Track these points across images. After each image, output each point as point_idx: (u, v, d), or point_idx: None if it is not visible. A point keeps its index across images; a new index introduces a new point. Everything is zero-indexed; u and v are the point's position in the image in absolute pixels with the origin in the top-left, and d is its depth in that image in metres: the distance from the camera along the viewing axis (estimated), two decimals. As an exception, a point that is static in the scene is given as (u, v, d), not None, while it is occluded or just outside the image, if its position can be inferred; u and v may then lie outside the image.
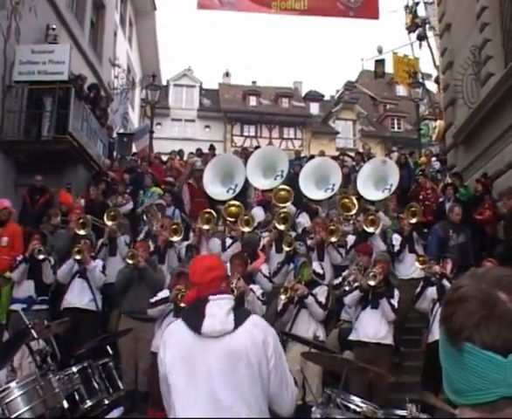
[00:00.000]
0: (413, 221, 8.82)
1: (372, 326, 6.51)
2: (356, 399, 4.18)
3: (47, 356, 4.31)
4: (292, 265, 7.81)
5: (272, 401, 2.70)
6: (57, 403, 4.20)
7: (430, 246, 9.05)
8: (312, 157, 15.55)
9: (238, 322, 2.67)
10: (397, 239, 8.93)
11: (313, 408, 4.15)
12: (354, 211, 9.16)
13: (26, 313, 6.36)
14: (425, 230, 9.46)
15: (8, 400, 3.96)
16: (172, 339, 2.77)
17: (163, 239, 8.52)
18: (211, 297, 2.74)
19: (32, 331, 4.37)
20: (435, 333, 6.63)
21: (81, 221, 8.50)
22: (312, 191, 10.07)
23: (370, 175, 10.30)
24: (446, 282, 6.73)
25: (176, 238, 8.46)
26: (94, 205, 10.45)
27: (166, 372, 2.66)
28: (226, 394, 2.55)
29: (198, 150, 16.82)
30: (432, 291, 6.92)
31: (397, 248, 8.78)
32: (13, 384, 4.09)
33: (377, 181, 10.16)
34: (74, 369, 4.84)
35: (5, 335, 5.01)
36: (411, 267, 8.23)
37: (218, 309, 2.70)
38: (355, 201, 9.22)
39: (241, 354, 2.60)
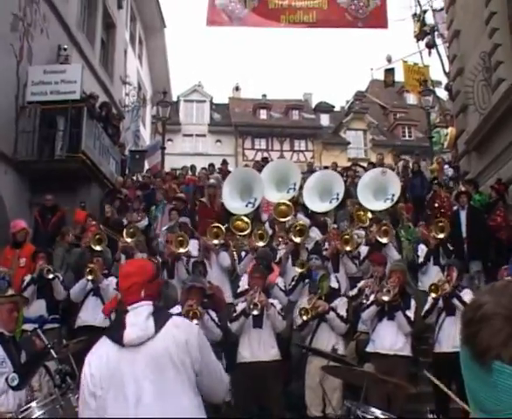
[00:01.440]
0: (441, 236, 8.71)
1: (389, 338, 6.44)
2: (377, 411, 4.14)
3: (66, 375, 4.32)
4: (307, 281, 7.76)
5: (206, 393, 2.78)
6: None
7: None
8: (326, 168, 15.62)
9: (159, 326, 2.70)
10: (422, 250, 8.87)
11: (334, 423, 4.13)
12: (367, 224, 9.15)
13: (34, 333, 6.39)
14: (451, 248, 9.13)
15: (29, 419, 3.98)
16: (97, 357, 2.73)
17: (170, 253, 8.46)
18: (129, 307, 2.77)
19: (52, 351, 4.39)
20: (443, 344, 6.61)
21: (97, 237, 8.51)
22: (316, 204, 10.07)
23: (368, 185, 10.26)
24: (456, 301, 6.61)
25: (182, 250, 8.36)
26: (110, 223, 10.48)
27: (92, 390, 2.63)
28: (155, 401, 2.56)
29: (211, 165, 16.88)
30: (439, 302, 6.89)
31: (421, 259, 8.74)
32: (34, 404, 4.10)
33: (375, 191, 10.11)
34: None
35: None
36: (434, 279, 8.11)
37: (137, 316, 2.72)
38: (369, 214, 9.21)
39: (165, 357, 2.64)
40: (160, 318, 2.75)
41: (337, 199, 9.95)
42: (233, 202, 10.21)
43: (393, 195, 9.86)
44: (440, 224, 8.82)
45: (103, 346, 2.74)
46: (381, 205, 9.94)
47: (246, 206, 9.95)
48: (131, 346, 2.65)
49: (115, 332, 2.73)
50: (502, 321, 1.08)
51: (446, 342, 6.58)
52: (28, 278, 7.99)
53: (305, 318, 6.52)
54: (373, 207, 9.88)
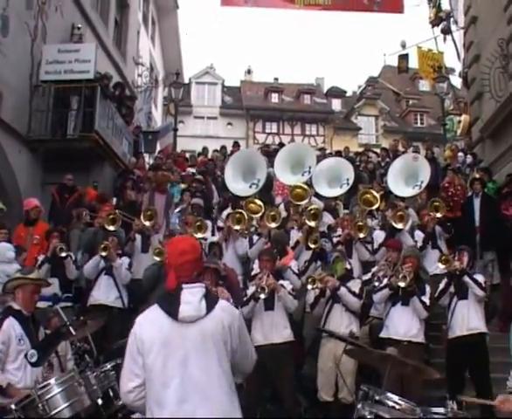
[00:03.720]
0: (438, 215, 8.74)
1: (403, 324, 6.40)
2: (394, 396, 4.11)
3: (85, 353, 4.35)
4: (319, 263, 7.78)
5: (237, 367, 3.16)
6: (94, 400, 4.23)
7: None
8: (338, 152, 15.52)
9: (209, 308, 3.02)
10: (419, 236, 8.83)
11: (358, 406, 4.10)
12: (376, 206, 9.10)
13: (52, 310, 6.46)
14: (449, 224, 9.24)
15: (48, 396, 4.01)
16: (150, 323, 3.05)
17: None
18: (184, 285, 3.06)
19: (70, 328, 4.41)
20: (456, 329, 6.65)
21: (111, 217, 8.50)
22: (325, 189, 10.03)
23: (401, 171, 10.19)
24: (467, 278, 6.67)
25: (200, 235, 8.33)
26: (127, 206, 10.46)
27: (141, 350, 2.96)
28: (199, 372, 2.91)
29: (223, 148, 16.87)
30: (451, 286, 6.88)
31: (419, 244, 8.68)
32: (52, 381, 4.13)
33: (407, 177, 10.04)
34: (109, 366, 4.88)
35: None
36: (434, 263, 8.09)
37: (192, 296, 3.03)
38: (376, 195, 9.13)
39: (212, 336, 2.98)
40: (210, 301, 3.07)
41: (348, 184, 9.94)
42: (236, 184, 10.17)
43: (422, 182, 9.79)
44: (435, 204, 8.84)
45: (156, 315, 3.05)
46: (409, 192, 9.90)
47: (250, 187, 9.92)
48: (184, 322, 2.97)
49: (171, 306, 3.01)
50: None
51: (460, 326, 6.61)
52: (42, 257, 8.05)
53: (310, 286, 6.57)
54: (402, 193, 9.85)
